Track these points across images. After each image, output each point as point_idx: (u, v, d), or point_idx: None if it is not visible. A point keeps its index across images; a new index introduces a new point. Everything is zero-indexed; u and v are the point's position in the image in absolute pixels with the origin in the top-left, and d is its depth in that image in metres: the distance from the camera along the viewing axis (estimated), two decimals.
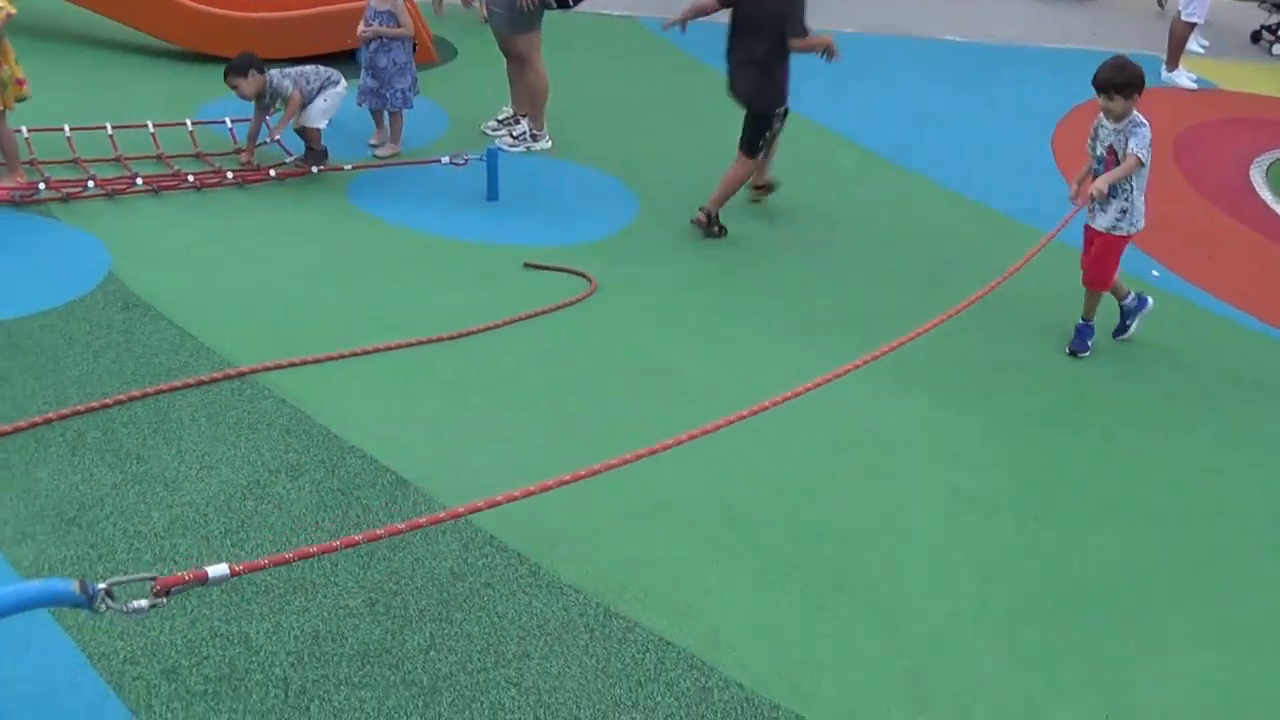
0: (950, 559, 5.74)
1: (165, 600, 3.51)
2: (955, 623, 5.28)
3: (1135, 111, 7.85)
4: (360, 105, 10.86)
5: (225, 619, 4.93)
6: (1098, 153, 8.05)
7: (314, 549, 4.03)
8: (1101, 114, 7.99)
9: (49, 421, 6.23)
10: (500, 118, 11.84)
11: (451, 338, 7.43)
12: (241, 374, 6.82)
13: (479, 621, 5.04)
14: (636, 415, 6.74)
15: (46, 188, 9.21)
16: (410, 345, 7.31)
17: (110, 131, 10.25)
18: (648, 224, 9.76)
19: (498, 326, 7.64)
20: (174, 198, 9.53)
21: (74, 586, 3.30)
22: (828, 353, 7.51)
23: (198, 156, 10.40)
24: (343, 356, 7.13)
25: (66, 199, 9.21)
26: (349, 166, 10.34)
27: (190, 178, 9.79)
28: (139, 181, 9.56)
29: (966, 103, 14.14)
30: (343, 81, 10.24)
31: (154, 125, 10.47)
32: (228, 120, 10.90)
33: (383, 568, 5.33)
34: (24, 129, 9.86)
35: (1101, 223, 8.08)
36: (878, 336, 7.57)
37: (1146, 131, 7.79)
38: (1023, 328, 8.29)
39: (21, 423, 6.19)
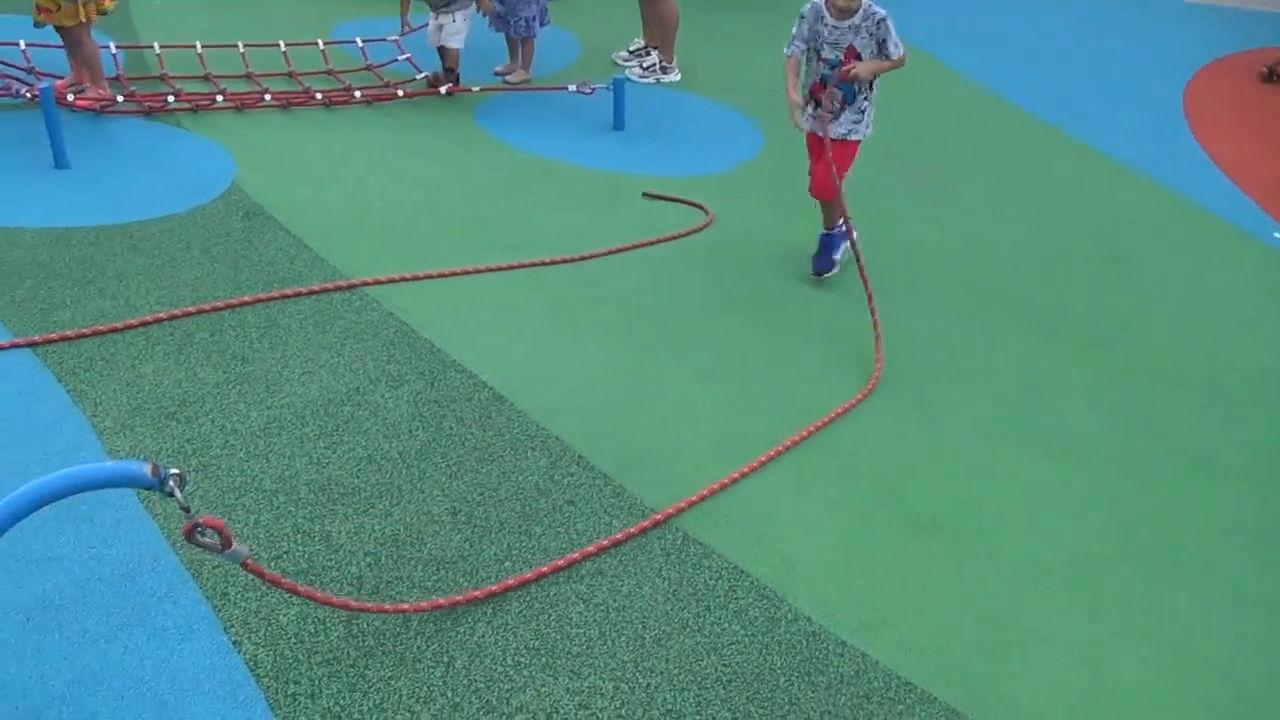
0: (1036, 503, 5.72)
1: (197, 533, 3.72)
2: (1034, 568, 5.27)
3: (872, 4, 7.21)
4: (490, 29, 10.96)
5: (309, 517, 5.08)
6: (826, 55, 7.30)
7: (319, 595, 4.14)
8: (820, 11, 7.25)
9: (159, 321, 6.43)
10: (631, 48, 11.90)
11: (563, 261, 7.53)
12: (352, 285, 6.99)
13: (557, 536, 5.14)
14: (741, 346, 6.80)
15: (176, 99, 9.41)
16: (521, 266, 7.42)
17: (242, 49, 10.47)
18: (770, 160, 9.79)
19: (611, 252, 7.73)
20: (302, 113, 9.72)
21: (146, 469, 3.46)
22: (929, 291, 7.57)
23: (328, 74, 10.59)
24: (454, 274, 7.26)
25: (195, 110, 9.44)
26: (477, 89, 10.47)
27: (319, 95, 9.96)
28: (268, 97, 9.75)
29: (1097, 48, 13.95)
30: (474, 3, 10.35)
31: (285, 44, 10.67)
32: (359, 40, 11.07)
33: (470, 479, 5.45)
34: (155, 44, 10.10)
35: (837, 130, 7.46)
36: (986, 276, 7.64)
37: (892, 23, 7.20)
38: (1136, 281, 8.18)
39: (132, 320, 6.40)
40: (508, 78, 10.98)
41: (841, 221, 7.59)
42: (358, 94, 10.11)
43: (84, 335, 6.23)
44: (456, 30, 10.26)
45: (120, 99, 9.37)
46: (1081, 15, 15.30)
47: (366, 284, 7.01)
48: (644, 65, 11.59)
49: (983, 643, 4.83)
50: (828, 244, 7.80)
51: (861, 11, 7.14)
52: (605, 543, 5.11)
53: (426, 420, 5.82)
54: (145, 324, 6.39)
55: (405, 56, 10.84)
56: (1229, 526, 5.73)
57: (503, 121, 10.01)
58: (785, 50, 7.42)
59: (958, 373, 6.79)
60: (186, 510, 3.62)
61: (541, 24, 10.94)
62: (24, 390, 5.77)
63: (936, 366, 6.83)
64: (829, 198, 7.59)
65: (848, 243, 7.74)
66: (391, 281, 7.08)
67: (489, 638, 4.57)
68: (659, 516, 5.31)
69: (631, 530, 5.21)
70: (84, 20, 8.94)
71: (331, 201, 8.17)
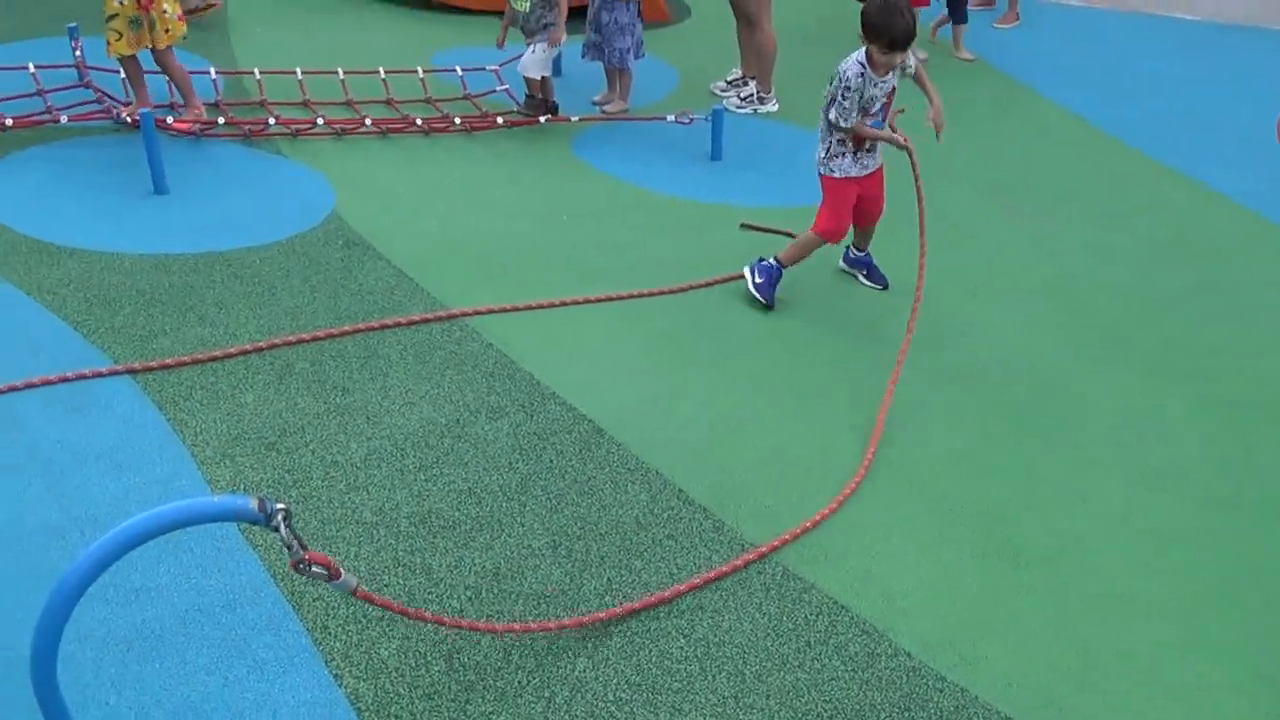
0: (1134, 535, 5.64)
1: (305, 566, 3.70)
2: (1132, 602, 5.20)
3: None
4: (584, 59, 10.97)
5: (410, 550, 5.08)
6: (874, 111, 7.31)
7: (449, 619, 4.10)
8: (869, 75, 7.16)
9: (259, 350, 6.47)
10: (729, 78, 11.87)
11: (661, 293, 7.49)
12: (452, 316, 7.00)
13: (657, 571, 5.12)
14: (840, 380, 6.74)
15: (276, 124, 9.47)
16: (620, 298, 7.40)
17: (341, 76, 10.53)
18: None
19: (709, 284, 7.70)
20: (401, 141, 9.75)
21: (253, 504, 3.45)
22: (1030, 320, 7.50)
23: (427, 102, 10.60)
24: (552, 305, 7.25)
25: (295, 135, 9.50)
26: (575, 119, 10.45)
27: (419, 121, 9.98)
28: (368, 122, 9.79)
29: (1190, 78, 13.80)
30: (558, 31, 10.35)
31: (385, 71, 10.71)
32: (458, 69, 11.09)
33: (570, 512, 5.44)
34: (256, 70, 10.19)
35: (874, 161, 7.60)
36: (1087, 307, 7.56)
37: None
38: (1234, 312, 8.03)
39: (232, 349, 6.44)
40: (605, 108, 10.97)
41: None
42: (457, 121, 10.11)
43: (184, 363, 6.27)
44: (533, 61, 10.25)
45: (221, 121, 9.42)
46: (1169, 43, 15.13)
47: (466, 314, 7.02)
48: (741, 95, 11.55)
49: (1081, 678, 4.77)
50: (870, 261, 8.11)
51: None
52: (710, 576, 5.09)
53: (526, 453, 5.81)
54: (245, 353, 6.42)
55: (504, 88, 10.85)
56: None
57: (600, 152, 10.00)
58: (844, 124, 7.29)
59: (1055, 401, 6.72)
60: (290, 549, 3.62)
61: (637, 56, 10.91)
62: (124, 418, 5.81)
63: (1034, 396, 6.77)
64: (882, 213, 7.88)
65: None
66: (491, 312, 7.08)
67: (590, 673, 4.55)
68: (761, 551, 5.28)
69: (736, 563, 5.20)
70: (166, 45, 9.05)
71: (430, 231, 8.19)
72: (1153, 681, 4.78)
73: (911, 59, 7.27)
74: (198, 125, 9.33)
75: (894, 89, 7.28)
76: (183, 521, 3.51)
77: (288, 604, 4.73)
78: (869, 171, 7.51)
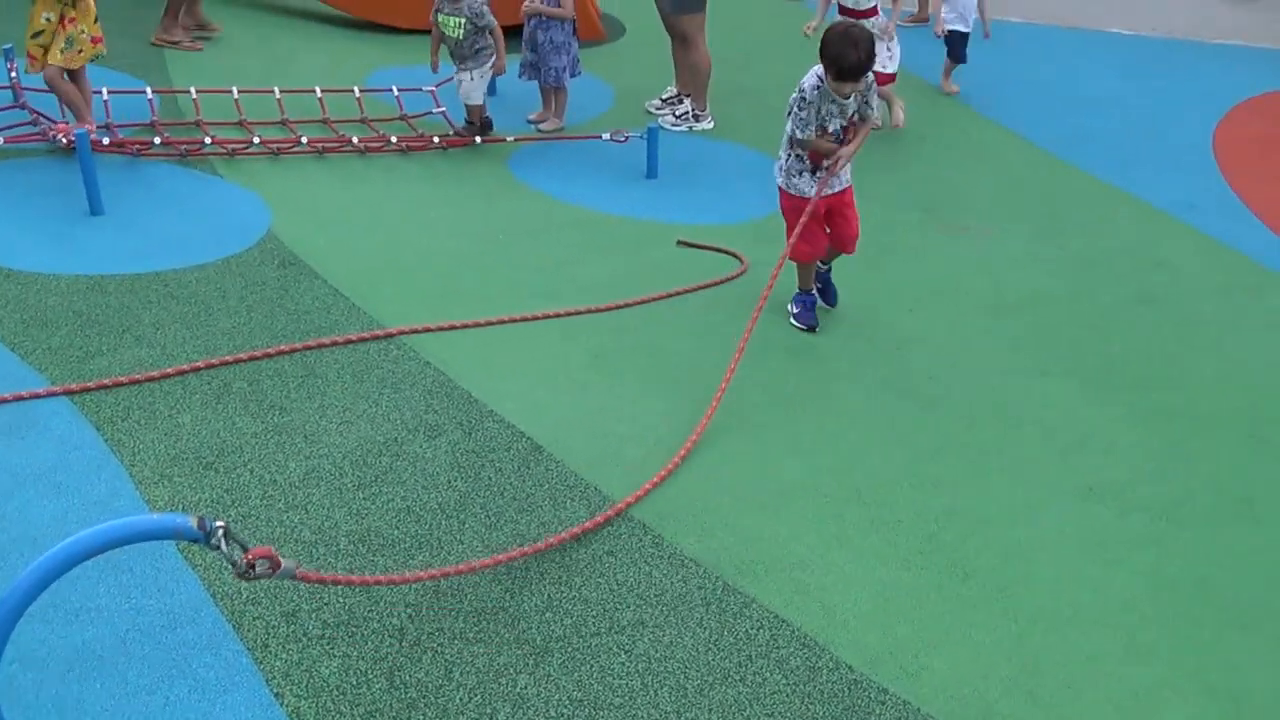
0: (1075, 548, 5.68)
1: (251, 570, 3.74)
2: (1074, 612, 5.24)
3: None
4: (520, 78, 11.05)
5: (349, 568, 5.08)
6: (832, 128, 7.34)
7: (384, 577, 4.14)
8: (826, 92, 7.21)
9: (196, 370, 6.46)
10: (664, 96, 11.93)
11: (598, 310, 7.50)
12: (389, 334, 7.00)
13: (597, 587, 5.12)
14: (780, 395, 6.78)
15: (212, 143, 9.45)
16: (557, 316, 7.42)
17: (278, 95, 10.52)
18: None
19: (646, 301, 7.72)
20: (338, 161, 9.75)
21: (192, 521, 3.46)
22: (970, 334, 7.55)
23: (363, 122, 10.61)
24: (490, 324, 7.26)
25: (231, 155, 9.49)
26: (511, 138, 10.50)
27: (355, 140, 9.99)
28: (304, 141, 9.79)
29: (1129, 92, 13.92)
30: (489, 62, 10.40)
31: (321, 90, 10.70)
32: (394, 89, 11.09)
33: (509, 529, 5.44)
34: (192, 89, 10.21)
35: (840, 181, 7.59)
36: (1027, 320, 7.62)
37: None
38: (1172, 324, 8.12)
39: (169, 369, 6.41)
40: (541, 126, 11.01)
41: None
42: (393, 139, 10.13)
43: (121, 384, 6.25)
44: (473, 88, 10.30)
45: (157, 141, 9.39)
46: (1111, 59, 15.25)
47: (403, 333, 7.02)
48: (677, 113, 11.61)
49: (1023, 689, 4.80)
50: (831, 282, 8.09)
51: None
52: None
53: (465, 470, 5.82)
54: (183, 373, 6.41)
55: (441, 110, 10.88)
56: (1271, 570, 5.69)
57: (537, 170, 10.03)
58: (799, 135, 7.39)
59: (996, 416, 6.77)
60: (234, 564, 3.63)
61: (573, 74, 10.97)
62: (62, 438, 5.79)
63: (975, 410, 6.80)
64: (856, 239, 7.84)
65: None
66: (428, 330, 7.09)
67: (531, 689, 4.56)
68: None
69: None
70: (74, 65, 9.07)
71: (367, 250, 8.19)
72: (1095, 692, 4.82)
73: (875, 110, 7.54)
74: (135, 145, 9.31)
75: (856, 115, 7.38)
76: (122, 539, 3.51)
77: (228, 623, 4.72)
78: (833, 192, 7.53)
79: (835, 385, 6.89)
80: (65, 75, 9.10)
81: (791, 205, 7.61)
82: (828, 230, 7.74)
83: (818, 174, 7.46)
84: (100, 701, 4.32)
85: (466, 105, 10.39)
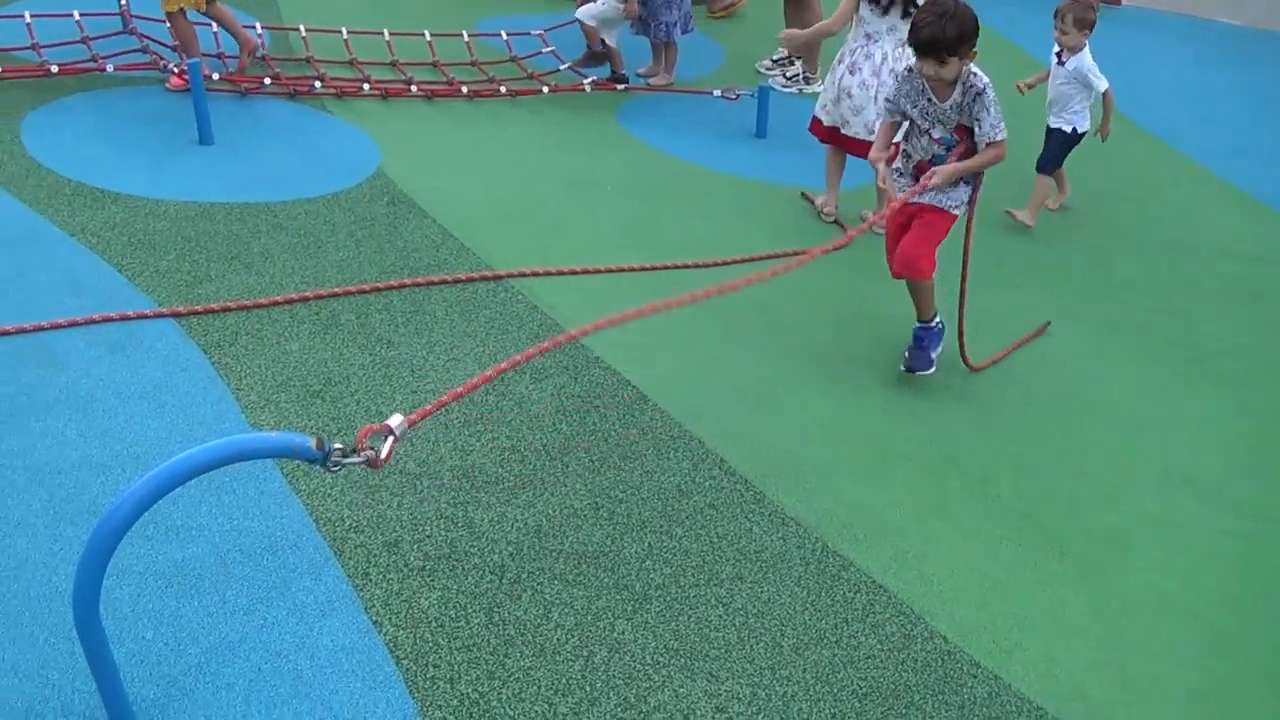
0: (1168, 537, 5.61)
1: (370, 451, 3.64)
2: (1164, 601, 5.18)
3: (975, 70, 6.09)
4: (631, 32, 11.02)
5: (453, 503, 5.07)
6: (937, 135, 6.30)
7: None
8: (918, 82, 6.21)
9: (305, 300, 6.47)
10: (775, 57, 11.87)
11: (705, 265, 7.44)
12: (498, 276, 7.01)
13: (697, 539, 5.10)
14: (878, 361, 6.71)
15: (323, 84, 9.47)
16: (665, 268, 7.38)
17: (387, 37, 10.53)
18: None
19: (751, 259, 7.66)
20: (446, 104, 9.77)
21: (311, 442, 3.43)
22: (1065, 326, 7.44)
23: (472, 65, 10.61)
24: (597, 271, 7.25)
25: (341, 95, 9.50)
26: (621, 88, 10.47)
27: (464, 88, 10.00)
28: (414, 89, 9.79)
29: (1236, 84, 13.72)
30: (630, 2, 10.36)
31: (430, 34, 10.69)
32: (503, 33, 11.11)
33: (612, 476, 5.43)
34: (301, 27, 10.18)
35: (932, 198, 6.36)
36: (1118, 308, 7.51)
37: (993, 94, 6.11)
38: (1274, 320, 7.99)
39: (278, 297, 6.44)
40: (650, 80, 10.96)
41: (935, 317, 6.63)
42: (502, 89, 10.11)
43: (229, 309, 6.28)
44: (592, 11, 10.30)
45: (267, 81, 9.42)
46: (1220, 50, 15.06)
47: (512, 275, 7.02)
48: (787, 75, 11.54)
49: (1110, 673, 4.75)
50: (922, 339, 6.65)
51: (960, 85, 6.09)
52: None
53: (569, 415, 5.80)
54: (291, 301, 6.43)
55: (550, 49, 10.85)
56: None
57: (644, 123, 9.99)
58: (883, 117, 6.60)
59: (1090, 401, 6.69)
60: (367, 463, 3.62)
61: (684, 30, 10.92)
62: (168, 360, 5.81)
63: (1071, 395, 6.73)
64: (920, 272, 6.43)
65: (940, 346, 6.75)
66: (536, 275, 7.08)
67: (629, 635, 4.54)
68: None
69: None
70: (179, 9, 9.03)
71: (475, 192, 8.19)
72: (1180, 681, 4.76)
73: (987, 121, 6.09)
74: (245, 84, 9.33)
75: (961, 126, 6.20)
76: (240, 454, 3.49)
77: (329, 549, 4.73)
78: (913, 202, 6.39)
79: (943, 360, 6.81)
80: (186, 14, 9.08)
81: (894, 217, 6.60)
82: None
83: (911, 183, 6.45)
84: (197, 618, 4.33)
85: (584, 28, 10.40)
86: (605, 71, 10.79)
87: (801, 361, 6.54)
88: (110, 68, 9.11)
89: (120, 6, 10.04)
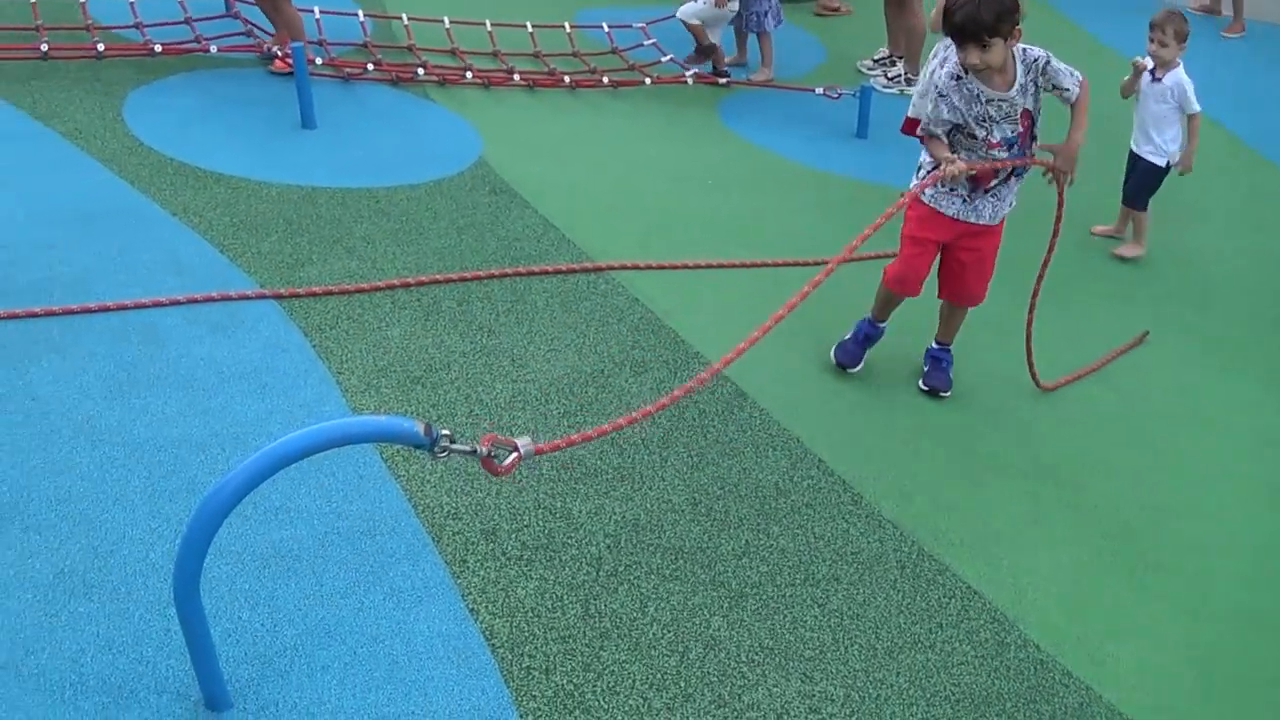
0: (1262, 552, 5.56)
1: (485, 450, 3.63)
2: (1256, 616, 5.14)
3: (1024, 46, 5.65)
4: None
5: (551, 494, 5.06)
6: (997, 138, 5.79)
7: (623, 420, 4.17)
8: (968, 85, 5.68)
9: (406, 286, 6.48)
10: (876, 57, 11.83)
11: (804, 264, 7.40)
12: (599, 269, 7.00)
13: (794, 538, 5.07)
14: (982, 366, 6.66)
15: (426, 72, 9.48)
16: (763, 265, 7.35)
17: (489, 27, 10.53)
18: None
19: (850, 260, 7.61)
20: (548, 94, 9.79)
21: (419, 427, 3.42)
22: (1164, 337, 7.36)
23: (574, 56, 10.61)
24: (698, 266, 7.22)
25: (444, 83, 9.52)
26: (723, 82, 10.48)
27: (567, 78, 10.00)
28: (516, 77, 9.80)
29: None
30: (733, 3, 10.33)
31: (532, 25, 10.69)
32: (605, 25, 11.09)
33: (711, 471, 5.41)
34: (404, 16, 10.21)
35: (991, 213, 6.00)
36: (1214, 317, 7.42)
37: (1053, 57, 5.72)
38: None
39: (380, 283, 6.45)
40: (751, 75, 10.95)
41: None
42: (605, 80, 10.12)
43: (331, 293, 6.30)
44: (691, 10, 10.31)
45: (370, 67, 9.45)
46: None
47: (613, 268, 7.01)
48: (889, 75, 11.49)
49: (1202, 689, 4.70)
50: (941, 359, 6.47)
51: (1019, 64, 5.65)
52: None
53: (669, 409, 5.76)
54: (393, 287, 6.44)
55: (651, 42, 10.85)
56: None
57: (746, 119, 9.99)
58: (920, 129, 6.12)
59: (1189, 414, 6.61)
60: (473, 452, 3.62)
61: (776, 22, 10.90)
62: (269, 341, 5.84)
63: (1168, 406, 6.66)
64: (981, 300, 6.31)
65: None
66: (635, 267, 7.07)
67: (724, 632, 4.52)
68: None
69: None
70: None
71: (576, 183, 8.20)
72: (1268, 698, 4.72)
73: (1073, 79, 5.72)
74: (348, 69, 9.37)
75: (1026, 112, 5.75)
76: (349, 438, 3.50)
77: (427, 535, 4.73)
78: (969, 221, 6.02)
79: (1046, 370, 6.74)
80: None
81: (917, 216, 6.18)
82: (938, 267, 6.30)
83: (972, 197, 5.98)
84: (293, 600, 4.35)
85: (687, 26, 10.40)
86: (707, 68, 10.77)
87: (902, 363, 6.50)
88: (214, 49, 9.17)
89: None
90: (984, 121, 5.73)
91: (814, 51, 12.09)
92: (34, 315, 5.77)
